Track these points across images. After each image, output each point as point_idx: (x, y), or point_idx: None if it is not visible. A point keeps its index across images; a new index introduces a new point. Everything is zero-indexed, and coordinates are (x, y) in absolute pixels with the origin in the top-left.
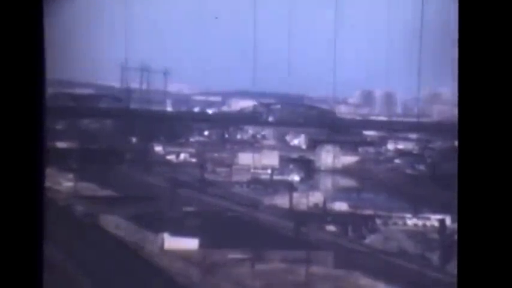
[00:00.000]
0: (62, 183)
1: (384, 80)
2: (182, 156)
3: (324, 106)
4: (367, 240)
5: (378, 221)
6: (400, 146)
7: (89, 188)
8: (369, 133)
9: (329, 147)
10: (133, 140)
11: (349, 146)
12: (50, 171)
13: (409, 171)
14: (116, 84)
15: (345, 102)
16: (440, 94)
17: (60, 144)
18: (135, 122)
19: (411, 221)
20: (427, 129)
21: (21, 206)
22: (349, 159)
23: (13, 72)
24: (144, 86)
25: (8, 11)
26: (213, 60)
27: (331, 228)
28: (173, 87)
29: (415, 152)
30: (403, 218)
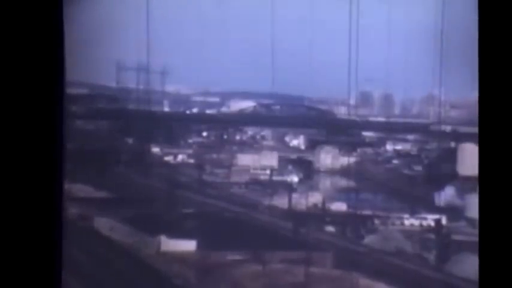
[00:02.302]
0: None
1: (401, 81)
2: (180, 157)
3: (323, 107)
4: (366, 241)
5: (376, 221)
6: (398, 147)
7: (83, 189)
8: (368, 134)
9: (328, 148)
10: (130, 140)
11: (348, 146)
12: None
13: (406, 171)
14: (112, 84)
15: (344, 103)
16: (436, 95)
17: None
18: (132, 123)
19: (408, 221)
20: (424, 130)
21: (39, 210)
22: (348, 160)
23: (32, 74)
24: (141, 86)
25: (26, 14)
26: (212, 60)
27: (330, 228)
28: (171, 88)
29: (412, 153)
30: (401, 218)
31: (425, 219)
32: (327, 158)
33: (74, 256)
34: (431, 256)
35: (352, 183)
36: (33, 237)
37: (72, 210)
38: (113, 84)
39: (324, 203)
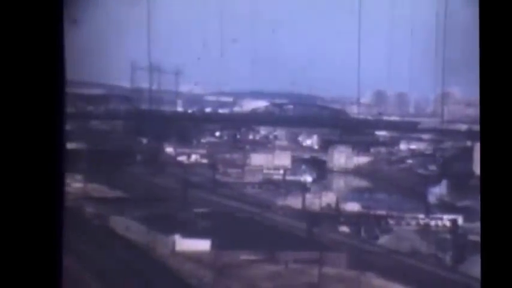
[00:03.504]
0: (71, 184)
1: (406, 81)
2: (193, 157)
3: (336, 106)
4: (380, 241)
5: (391, 222)
6: (413, 146)
7: (98, 189)
8: (381, 133)
9: (342, 148)
10: (144, 140)
11: (362, 146)
12: None
13: (421, 171)
14: (126, 84)
15: (357, 102)
16: (451, 94)
17: (70, 145)
18: (146, 123)
19: (424, 221)
20: (439, 129)
21: (40, 211)
22: (361, 159)
23: (33, 75)
24: (155, 86)
25: (27, 13)
26: (225, 60)
27: (344, 228)
28: (184, 88)
29: (427, 152)
30: (416, 218)
31: (441, 219)
32: (341, 157)
33: (89, 254)
34: (447, 257)
35: (366, 183)
36: (33, 235)
37: (88, 210)
38: (128, 85)
39: (337, 203)
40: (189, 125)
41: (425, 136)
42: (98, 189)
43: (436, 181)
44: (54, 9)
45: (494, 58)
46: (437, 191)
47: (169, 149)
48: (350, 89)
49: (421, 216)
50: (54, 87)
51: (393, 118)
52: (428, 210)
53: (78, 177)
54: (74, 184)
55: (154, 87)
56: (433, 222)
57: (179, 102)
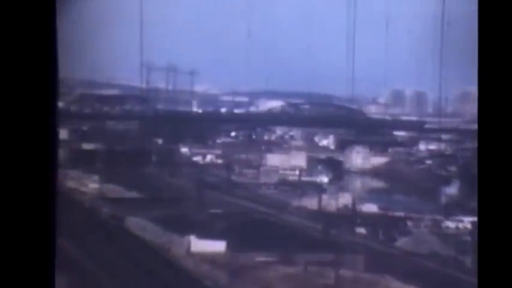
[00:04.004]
0: (88, 185)
1: (415, 79)
2: (209, 157)
3: (353, 106)
4: (398, 243)
5: (409, 223)
6: (432, 147)
7: (114, 190)
8: (399, 133)
9: (358, 148)
10: (159, 141)
11: (379, 146)
12: (76, 173)
13: (440, 172)
14: (142, 84)
15: (374, 101)
16: (472, 93)
17: (86, 146)
18: (161, 123)
19: (443, 224)
20: (458, 129)
21: (33, 208)
22: (379, 160)
23: (24, 73)
24: (170, 87)
25: (20, 11)
26: (240, 59)
27: (361, 230)
28: (200, 88)
29: (447, 152)
30: (435, 220)
31: (461, 221)
32: (357, 158)
33: (105, 254)
34: (468, 259)
35: (383, 184)
36: (25, 234)
37: (104, 210)
38: (143, 85)
39: (354, 204)
40: (204, 125)
41: (445, 136)
42: (114, 189)
43: (456, 182)
44: (47, 5)
45: (493, 54)
46: (458, 193)
47: (184, 150)
48: (369, 88)
49: (441, 218)
50: (46, 84)
51: (412, 118)
52: (448, 211)
53: (95, 177)
54: (91, 185)
55: (170, 87)
56: (453, 224)
57: (194, 102)
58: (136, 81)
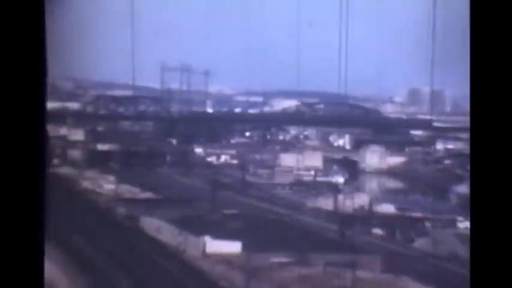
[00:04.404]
0: (103, 185)
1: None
2: (223, 157)
3: (369, 105)
4: (416, 244)
5: (427, 224)
6: (450, 146)
7: (130, 190)
8: (416, 132)
9: (374, 148)
10: (174, 141)
11: (396, 146)
12: (91, 174)
13: (459, 172)
14: (156, 85)
15: (390, 100)
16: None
17: (102, 147)
18: (176, 124)
19: (462, 224)
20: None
21: (22, 207)
22: (395, 159)
23: (13, 73)
24: (185, 87)
25: (8, 10)
26: (255, 59)
27: (377, 231)
28: (214, 88)
29: (465, 152)
30: (454, 220)
31: None
32: (374, 157)
33: (120, 255)
34: None
35: (400, 184)
36: (13, 236)
37: (119, 211)
38: (158, 86)
39: (370, 204)
40: (218, 126)
41: (464, 135)
42: (129, 190)
43: None
44: (35, 9)
45: (485, 54)
46: None
47: (199, 150)
48: (383, 86)
49: (460, 218)
50: (34, 84)
51: (429, 117)
52: (466, 211)
53: (110, 178)
54: (106, 185)
55: (184, 88)
56: None
57: (209, 102)
58: (151, 81)
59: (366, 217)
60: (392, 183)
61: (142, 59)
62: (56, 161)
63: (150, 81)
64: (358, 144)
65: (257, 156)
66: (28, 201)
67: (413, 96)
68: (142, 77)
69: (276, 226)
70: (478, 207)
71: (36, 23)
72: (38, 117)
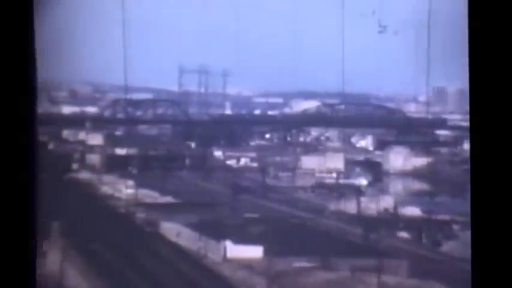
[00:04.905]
0: (122, 190)
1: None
2: (243, 160)
3: (392, 105)
4: (444, 248)
5: (455, 227)
6: None
7: (149, 195)
8: (442, 132)
9: (399, 149)
10: (193, 145)
11: (421, 146)
12: (110, 179)
13: None
14: (173, 88)
15: (414, 100)
16: None
17: (120, 151)
18: (194, 127)
19: None
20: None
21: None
22: (420, 160)
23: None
24: (203, 89)
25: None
26: (274, 60)
27: (403, 234)
28: (232, 90)
29: None
30: None
31: None
32: (398, 159)
33: (141, 261)
34: None
35: (426, 186)
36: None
37: (139, 216)
38: (175, 88)
39: (395, 207)
40: (237, 128)
41: None
42: (148, 194)
43: None
44: (23, 6)
45: (483, 52)
46: None
47: (218, 153)
48: (407, 85)
49: None
50: (24, 86)
51: (455, 116)
52: None
53: (129, 183)
54: (125, 190)
55: (202, 90)
56: None
57: (227, 104)
58: (168, 84)
59: (390, 220)
60: (418, 185)
61: (159, 61)
62: (75, 166)
63: (168, 83)
64: (382, 145)
65: (277, 159)
66: (19, 203)
67: (438, 95)
68: (159, 80)
69: (298, 230)
70: (479, 207)
71: (24, 27)
72: (28, 119)
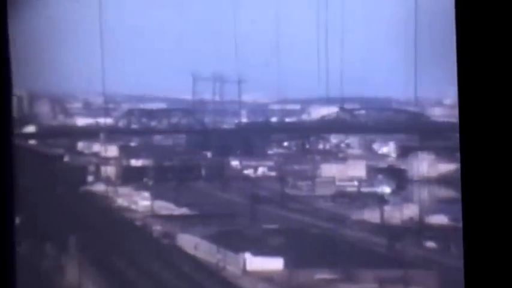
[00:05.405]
0: (138, 202)
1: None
2: (260, 170)
3: (415, 109)
4: None
5: None
6: None
7: (165, 206)
8: None
9: (423, 155)
10: (209, 154)
11: (446, 152)
12: (126, 191)
13: None
14: (188, 96)
15: (439, 103)
16: None
17: (135, 162)
18: (210, 136)
19: None
20: None
21: None
22: (446, 166)
23: None
24: (218, 97)
25: None
26: (290, 65)
27: (430, 244)
28: (248, 97)
29: None
30: None
31: None
32: (422, 165)
33: (158, 274)
34: None
35: (453, 193)
36: None
37: (155, 228)
38: (189, 97)
39: (421, 215)
40: (254, 136)
41: None
42: (164, 206)
43: None
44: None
45: (472, 54)
46: None
47: (234, 163)
48: (430, 88)
49: None
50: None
51: None
52: None
53: (145, 194)
54: (141, 202)
55: (217, 98)
56: None
57: (243, 112)
58: (182, 93)
59: (416, 229)
60: (444, 192)
61: (172, 69)
62: (90, 178)
63: (182, 92)
64: (405, 152)
65: (296, 167)
66: None
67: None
68: (173, 88)
69: (319, 241)
70: (470, 208)
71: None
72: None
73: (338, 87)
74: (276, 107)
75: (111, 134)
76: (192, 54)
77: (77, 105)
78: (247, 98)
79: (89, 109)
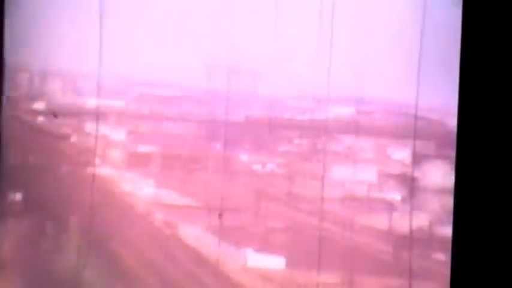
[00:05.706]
0: (143, 188)
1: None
2: (269, 166)
3: (433, 116)
4: None
5: None
6: None
7: (169, 195)
8: None
9: (438, 163)
10: (217, 146)
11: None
12: (131, 175)
13: None
14: (201, 85)
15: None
16: None
17: (143, 148)
18: (220, 127)
19: None
20: None
21: None
22: None
23: None
24: (232, 88)
25: None
26: (308, 62)
27: (438, 255)
28: (262, 90)
29: None
30: None
31: None
32: (436, 174)
33: (159, 263)
34: None
35: None
36: None
37: (158, 217)
38: (203, 85)
39: (430, 225)
40: (265, 131)
41: None
42: (168, 195)
43: None
44: None
45: (475, 63)
46: None
47: (243, 157)
48: (448, 96)
49: None
50: None
51: None
52: None
53: (150, 181)
54: (146, 189)
55: (231, 89)
56: None
57: (256, 106)
58: (196, 81)
59: (424, 239)
60: None
61: (189, 57)
62: (97, 160)
63: (196, 80)
64: (419, 159)
65: (306, 166)
66: None
67: None
68: (187, 77)
69: (323, 243)
70: (462, 216)
71: None
72: None
73: (355, 88)
74: (290, 103)
75: (121, 117)
76: (209, 42)
77: (89, 85)
78: (262, 91)
79: (100, 90)
